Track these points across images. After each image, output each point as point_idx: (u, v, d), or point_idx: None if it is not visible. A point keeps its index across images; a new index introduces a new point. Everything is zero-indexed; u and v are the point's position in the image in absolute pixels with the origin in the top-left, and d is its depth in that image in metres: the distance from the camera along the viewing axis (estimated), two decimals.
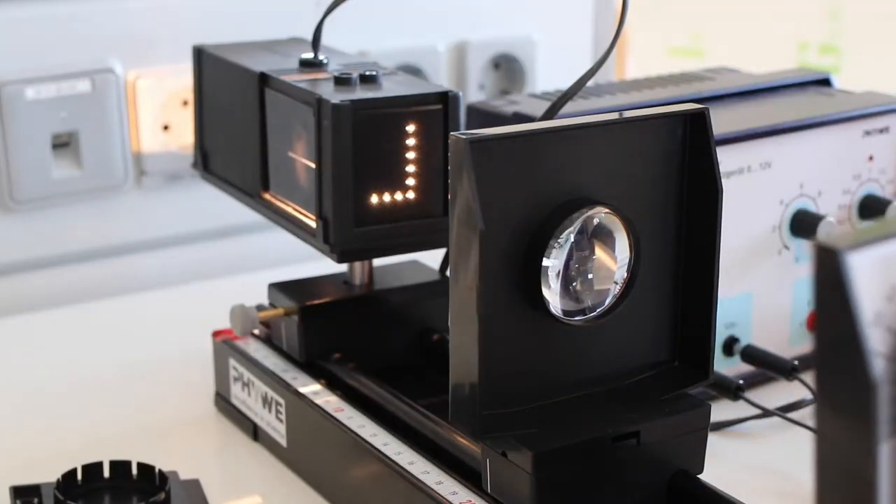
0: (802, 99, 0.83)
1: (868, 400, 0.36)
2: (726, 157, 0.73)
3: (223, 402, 0.78)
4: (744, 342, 0.78)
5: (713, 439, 0.71)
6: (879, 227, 0.38)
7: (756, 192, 0.76)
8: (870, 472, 0.37)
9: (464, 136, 0.51)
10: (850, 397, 0.37)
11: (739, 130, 0.75)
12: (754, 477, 0.70)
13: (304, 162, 0.69)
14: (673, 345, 0.59)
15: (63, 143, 0.95)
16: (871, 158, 0.81)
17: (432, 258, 0.76)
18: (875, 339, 0.37)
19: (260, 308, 0.74)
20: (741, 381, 0.73)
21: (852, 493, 0.38)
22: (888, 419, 0.38)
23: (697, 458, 0.58)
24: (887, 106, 0.81)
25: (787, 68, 0.90)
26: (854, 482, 0.37)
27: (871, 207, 0.80)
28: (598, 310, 0.56)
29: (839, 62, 1.82)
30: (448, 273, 0.56)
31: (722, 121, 0.75)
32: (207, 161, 0.80)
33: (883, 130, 0.81)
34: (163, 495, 0.64)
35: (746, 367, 0.78)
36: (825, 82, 0.86)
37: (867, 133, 0.80)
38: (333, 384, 0.71)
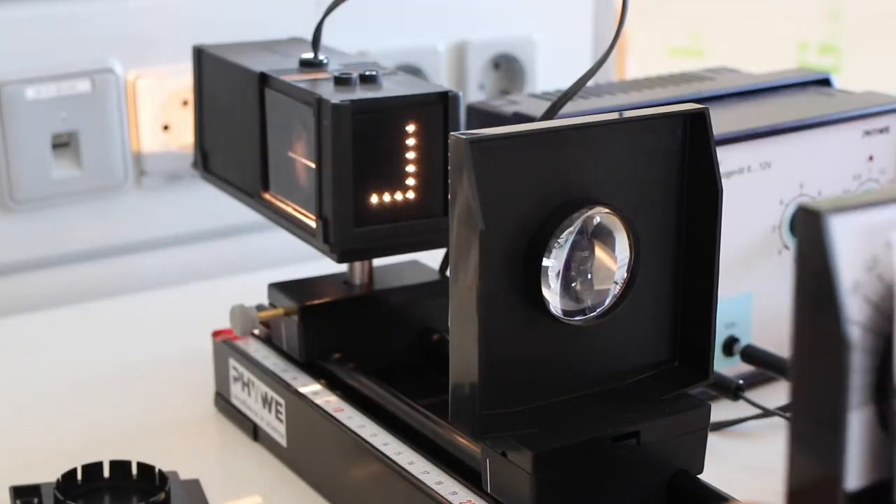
0: (802, 99, 0.83)
1: (842, 366, 0.36)
2: (726, 157, 0.73)
3: (223, 402, 0.78)
4: (744, 342, 0.77)
5: (713, 439, 0.71)
6: (865, 194, 0.37)
7: (756, 192, 0.76)
8: (839, 440, 0.37)
9: (464, 136, 0.51)
10: (824, 363, 0.36)
11: (739, 130, 0.75)
12: (754, 477, 0.70)
13: (304, 162, 0.69)
14: (673, 345, 0.59)
15: (63, 143, 0.95)
16: (871, 158, 0.80)
17: (432, 258, 0.76)
18: (853, 308, 0.37)
19: (260, 308, 0.74)
20: (741, 381, 0.73)
21: (822, 462, 0.37)
22: (860, 387, 0.38)
23: (697, 458, 0.58)
24: (887, 106, 0.80)
25: (787, 68, 0.90)
26: (824, 452, 0.37)
27: None
28: (598, 310, 0.56)
29: (839, 62, 1.82)
30: (448, 273, 0.56)
31: (722, 121, 0.75)
32: (207, 161, 0.80)
33: (883, 130, 0.81)
34: (163, 495, 0.64)
35: (746, 367, 0.78)
36: (825, 82, 0.86)
37: (867, 133, 0.80)
38: (333, 384, 0.71)
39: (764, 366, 0.76)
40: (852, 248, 0.37)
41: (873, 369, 0.38)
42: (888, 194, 0.38)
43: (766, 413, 0.74)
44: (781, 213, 0.77)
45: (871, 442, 0.39)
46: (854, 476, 0.39)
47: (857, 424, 0.38)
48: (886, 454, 0.39)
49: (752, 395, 0.75)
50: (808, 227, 0.36)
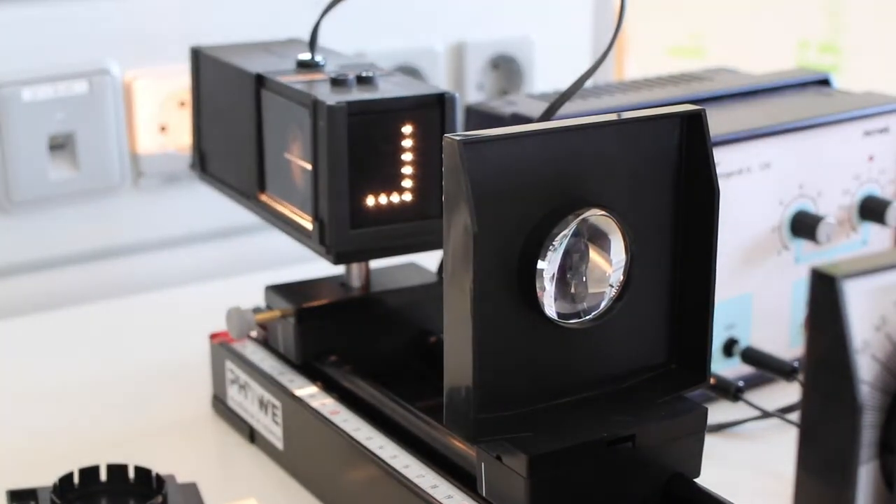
0: (802, 99, 0.82)
1: (853, 424, 0.37)
2: (726, 158, 0.73)
3: (220, 405, 0.78)
4: (743, 343, 0.77)
5: (713, 440, 0.71)
6: (874, 258, 0.38)
7: (756, 192, 0.76)
8: (848, 498, 0.38)
9: (457, 138, 0.51)
10: (835, 423, 0.37)
11: (739, 131, 0.74)
12: (754, 478, 0.70)
13: (301, 163, 0.69)
14: (669, 347, 0.59)
15: (60, 145, 0.95)
16: (871, 159, 0.80)
17: (430, 260, 0.76)
18: (862, 367, 0.38)
19: (256, 310, 0.74)
20: (741, 383, 0.73)
21: None
22: (866, 444, 0.39)
23: (694, 462, 0.58)
24: (887, 106, 0.80)
25: (787, 68, 0.89)
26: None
27: (871, 208, 0.80)
28: (593, 312, 0.55)
29: (839, 61, 1.81)
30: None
31: (721, 121, 0.75)
32: (205, 162, 0.80)
33: (883, 130, 0.80)
34: (160, 498, 0.64)
35: (746, 369, 0.77)
36: (825, 82, 0.86)
37: (867, 133, 0.80)
38: (330, 387, 0.71)
39: (763, 367, 0.76)
40: (862, 309, 0.38)
41: (879, 426, 0.39)
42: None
43: (766, 415, 0.74)
44: (781, 214, 0.77)
45: (875, 498, 0.39)
46: None
47: (864, 480, 0.39)
48: None
49: (751, 396, 0.75)
50: (822, 291, 0.37)
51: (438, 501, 0.59)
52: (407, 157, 0.67)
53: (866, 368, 0.39)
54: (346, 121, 0.65)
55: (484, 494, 0.57)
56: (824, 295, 0.37)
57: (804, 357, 0.39)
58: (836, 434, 0.38)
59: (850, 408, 0.37)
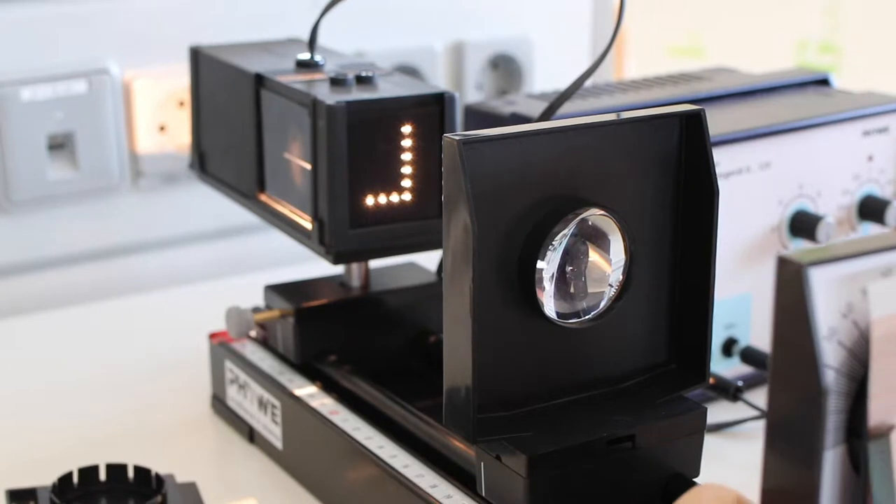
0: (801, 99, 0.82)
1: (818, 409, 0.37)
2: (725, 158, 0.73)
3: (219, 405, 0.78)
4: (743, 343, 0.77)
5: (712, 440, 0.71)
6: (841, 246, 0.39)
7: (755, 192, 0.76)
8: (813, 480, 0.38)
9: (456, 138, 0.51)
10: (801, 406, 0.38)
11: (738, 131, 0.74)
12: (753, 478, 0.70)
13: (300, 163, 0.69)
14: (669, 347, 0.59)
15: (59, 145, 0.94)
16: (870, 158, 0.80)
17: (429, 260, 0.76)
18: (828, 353, 0.38)
19: (256, 310, 0.74)
20: (740, 383, 0.73)
21: (797, 500, 0.39)
22: (834, 428, 0.39)
23: (693, 462, 0.58)
24: (887, 106, 0.80)
25: (786, 68, 0.89)
26: (798, 491, 0.39)
27: (870, 207, 0.80)
28: (593, 312, 0.55)
29: (839, 61, 1.81)
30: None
31: (721, 121, 0.75)
32: (204, 162, 0.80)
33: (882, 130, 0.80)
34: (159, 498, 0.64)
35: (746, 368, 0.77)
36: (824, 82, 0.86)
37: (866, 133, 0.80)
38: (329, 387, 0.71)
39: (763, 367, 0.76)
40: (829, 296, 0.38)
41: (846, 411, 0.40)
42: (865, 245, 0.39)
43: (766, 414, 0.74)
44: (780, 214, 0.77)
45: (842, 481, 0.40)
46: None
47: (831, 464, 0.39)
48: (858, 493, 0.40)
49: (750, 396, 0.74)
50: (787, 278, 0.38)
51: (438, 501, 0.59)
52: (406, 156, 0.67)
53: (833, 355, 0.39)
54: (346, 120, 0.65)
55: (483, 494, 0.57)
56: (790, 282, 0.38)
57: (771, 343, 0.39)
58: (801, 419, 0.38)
59: (815, 393, 0.37)
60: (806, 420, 0.38)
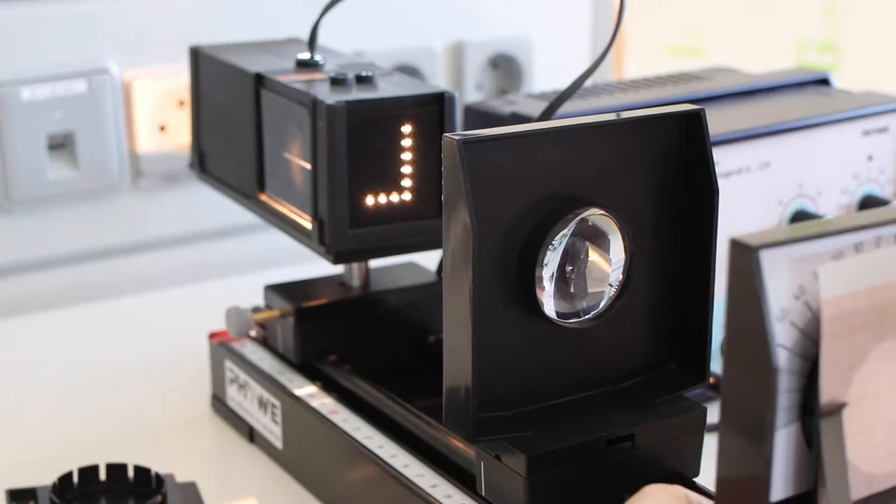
0: (801, 99, 0.82)
1: (768, 387, 0.38)
2: (725, 158, 0.73)
3: (219, 405, 0.78)
4: None
5: (712, 440, 0.71)
6: (793, 229, 0.40)
7: (755, 192, 0.76)
8: (765, 457, 0.39)
9: (456, 137, 0.51)
10: (753, 384, 0.39)
11: (738, 130, 0.74)
12: None
13: (300, 163, 0.69)
14: (669, 347, 0.59)
15: (59, 144, 0.94)
16: (870, 158, 0.80)
17: (429, 260, 0.76)
18: (781, 333, 0.40)
19: (256, 310, 0.74)
20: None
21: (749, 475, 0.40)
22: (788, 406, 0.40)
23: (693, 462, 0.58)
24: (886, 106, 0.80)
25: (786, 68, 0.89)
26: (750, 466, 0.40)
27: (870, 207, 0.80)
28: (592, 312, 0.55)
29: (839, 60, 1.81)
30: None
31: (721, 121, 0.75)
32: (204, 162, 0.80)
33: (882, 130, 0.80)
34: (159, 498, 0.64)
35: None
36: (824, 82, 0.86)
37: (866, 133, 0.80)
38: (329, 386, 0.71)
39: None
40: (781, 278, 0.40)
41: (800, 390, 0.41)
42: (816, 229, 0.40)
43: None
44: (780, 214, 0.77)
45: (797, 457, 0.41)
46: (779, 488, 0.41)
47: (785, 441, 0.41)
48: (811, 468, 0.41)
49: None
50: (739, 261, 0.39)
51: (438, 501, 0.59)
52: (406, 156, 0.67)
53: (786, 335, 0.40)
54: (346, 120, 0.65)
55: (483, 494, 0.57)
56: (742, 264, 0.39)
57: (724, 325, 0.40)
58: (753, 397, 0.39)
59: (765, 372, 0.38)
60: (758, 399, 0.39)
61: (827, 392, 0.41)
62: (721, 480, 0.41)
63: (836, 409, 0.41)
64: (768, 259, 0.39)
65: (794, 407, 0.41)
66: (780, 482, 0.41)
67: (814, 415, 0.41)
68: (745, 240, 0.39)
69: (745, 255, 0.39)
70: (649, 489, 0.44)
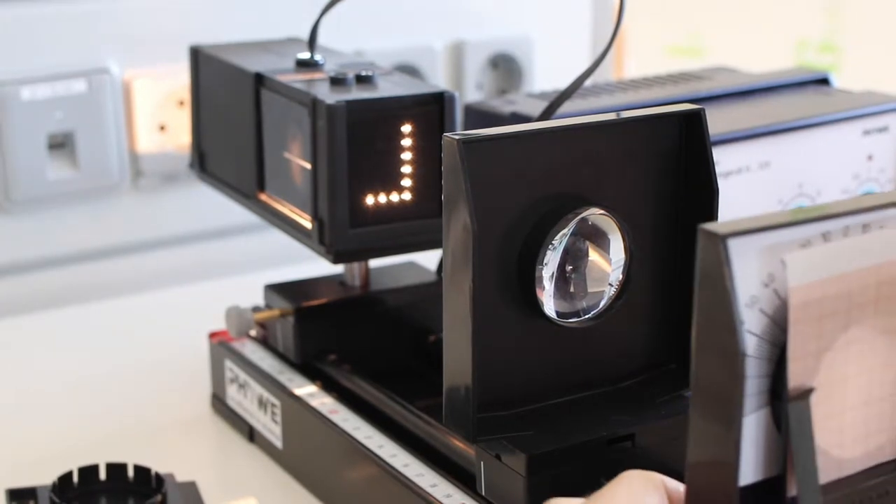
0: (801, 98, 0.82)
1: (736, 373, 0.39)
2: (725, 157, 0.73)
3: (219, 404, 0.78)
4: None
5: None
6: (761, 218, 0.41)
7: (755, 191, 0.76)
8: (734, 440, 0.40)
9: (456, 137, 0.51)
10: (720, 370, 0.40)
11: (738, 130, 0.74)
12: None
13: (300, 162, 0.69)
14: (669, 347, 0.59)
15: (59, 144, 0.94)
16: (870, 158, 0.80)
17: (429, 259, 0.76)
18: (750, 320, 0.41)
19: (256, 309, 0.74)
20: None
21: (718, 460, 0.41)
22: (758, 392, 0.41)
23: None
24: (886, 105, 0.80)
25: (786, 68, 0.89)
26: (719, 451, 0.41)
27: None
28: (592, 312, 0.55)
29: (839, 60, 1.81)
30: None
31: (720, 121, 0.75)
32: (204, 161, 0.80)
33: (882, 130, 0.80)
34: (159, 497, 0.64)
35: None
36: (824, 81, 0.86)
37: (866, 132, 0.80)
38: (329, 386, 0.71)
39: None
40: (750, 266, 0.40)
41: (769, 375, 0.42)
42: (784, 218, 0.41)
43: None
44: None
45: (767, 442, 0.42)
46: (749, 472, 0.42)
47: (755, 426, 0.42)
48: (780, 453, 0.42)
49: None
50: (708, 249, 0.40)
51: (438, 500, 0.59)
52: (406, 156, 0.67)
53: (755, 322, 0.41)
54: (346, 120, 0.65)
55: (483, 493, 0.57)
56: (710, 251, 0.40)
57: (694, 312, 0.41)
58: (721, 382, 0.40)
59: (732, 357, 0.39)
60: (726, 384, 0.40)
61: (795, 378, 0.42)
62: (691, 466, 0.42)
63: (804, 395, 0.42)
64: (736, 247, 0.40)
65: (763, 392, 0.42)
66: (751, 466, 0.42)
67: (782, 400, 0.42)
68: (714, 228, 0.40)
69: (714, 243, 0.40)
70: (627, 474, 0.44)
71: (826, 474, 0.43)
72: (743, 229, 0.40)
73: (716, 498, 0.41)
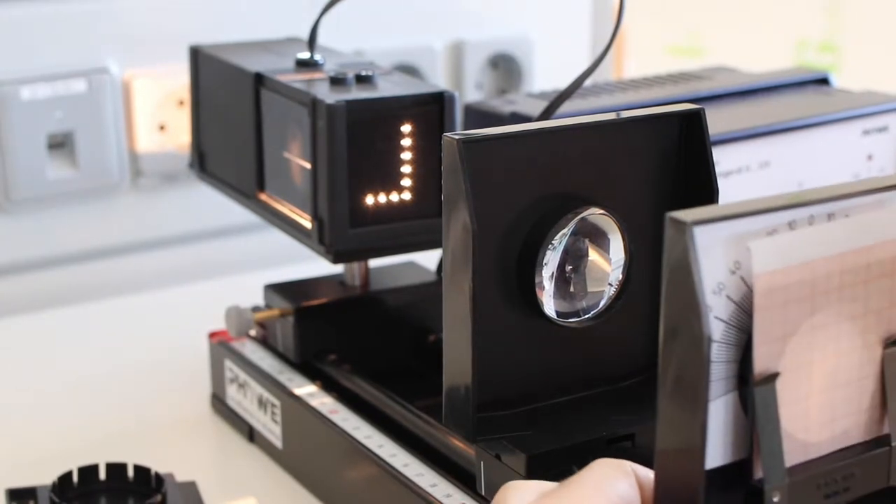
0: (801, 98, 0.82)
1: (701, 357, 0.40)
2: (725, 157, 0.73)
3: (219, 404, 0.78)
4: None
5: None
6: (729, 206, 0.41)
7: (754, 191, 0.76)
8: (698, 434, 0.41)
9: (456, 137, 0.51)
10: (687, 354, 0.41)
11: (738, 130, 0.74)
12: None
13: (300, 162, 0.69)
14: None
15: (59, 144, 0.94)
16: (870, 158, 0.80)
17: (429, 259, 0.76)
18: (717, 306, 0.42)
19: (255, 309, 0.74)
20: None
21: (685, 443, 0.42)
22: (726, 377, 0.42)
23: None
24: (886, 105, 0.80)
25: (786, 67, 0.89)
26: (686, 435, 0.41)
27: None
28: (592, 311, 0.55)
29: (838, 60, 1.81)
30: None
31: (720, 120, 0.75)
32: (204, 161, 0.80)
33: (882, 129, 0.80)
34: (159, 497, 0.64)
35: None
36: (824, 81, 0.86)
37: (866, 132, 0.80)
38: (329, 386, 0.71)
39: None
40: (717, 253, 0.41)
41: (737, 360, 0.43)
42: (750, 206, 0.42)
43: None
44: None
45: (734, 426, 0.43)
46: (717, 455, 0.43)
47: (723, 410, 0.43)
48: (747, 436, 0.43)
49: None
50: (673, 236, 0.41)
51: (437, 500, 0.59)
52: (406, 156, 0.67)
53: (722, 308, 0.42)
54: (346, 120, 0.65)
55: (483, 493, 0.57)
56: (676, 239, 0.41)
57: (662, 300, 0.42)
58: (688, 366, 0.41)
59: (698, 341, 0.40)
60: (692, 367, 0.41)
61: (760, 362, 0.42)
62: (660, 451, 0.43)
63: (770, 379, 0.43)
64: (702, 234, 0.40)
65: (731, 377, 0.43)
66: (718, 450, 0.43)
67: (748, 384, 0.43)
68: (680, 215, 0.40)
69: (680, 230, 0.40)
70: (597, 462, 0.45)
71: (792, 457, 0.44)
72: (709, 217, 0.41)
73: (683, 481, 0.42)
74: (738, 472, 0.44)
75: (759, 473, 0.43)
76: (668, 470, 0.43)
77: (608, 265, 0.55)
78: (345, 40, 0.89)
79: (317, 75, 0.70)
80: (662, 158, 0.56)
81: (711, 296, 0.41)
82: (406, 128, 0.66)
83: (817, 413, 0.44)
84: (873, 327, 0.45)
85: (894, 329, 0.46)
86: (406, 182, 0.67)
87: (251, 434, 0.75)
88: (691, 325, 0.40)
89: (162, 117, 0.97)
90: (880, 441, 0.46)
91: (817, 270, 0.43)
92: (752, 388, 0.42)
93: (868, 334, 0.45)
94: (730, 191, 0.73)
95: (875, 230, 0.44)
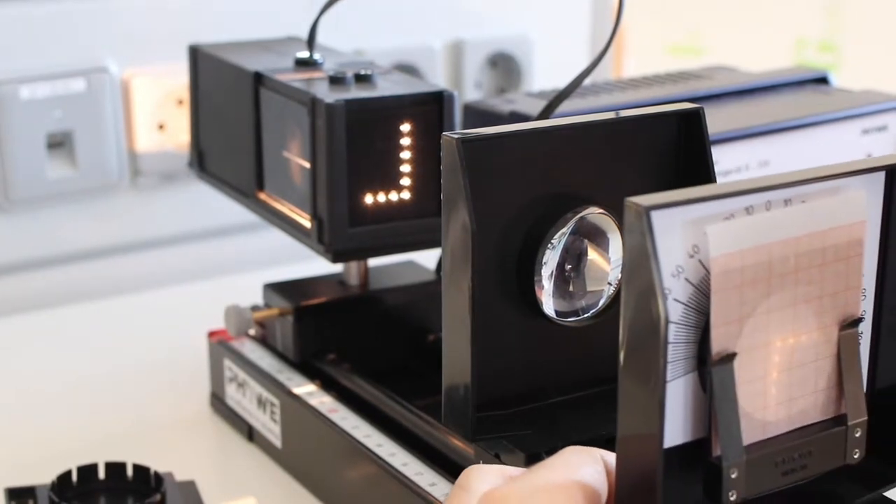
0: (800, 97, 0.82)
1: (657, 336, 0.41)
2: (724, 156, 0.73)
3: (218, 403, 0.78)
4: None
5: None
6: (687, 191, 0.43)
7: None
8: (656, 413, 0.42)
9: (455, 136, 0.51)
10: (644, 335, 0.42)
11: (737, 129, 0.74)
12: None
13: (299, 161, 0.69)
14: None
15: (58, 143, 0.94)
16: (869, 157, 0.80)
17: (428, 258, 0.76)
18: (676, 289, 0.43)
19: (255, 308, 0.74)
20: None
21: (643, 423, 0.43)
22: (686, 357, 0.44)
23: None
24: (885, 104, 0.80)
25: (785, 66, 0.89)
26: (645, 414, 0.42)
27: None
28: (592, 311, 0.55)
29: (838, 60, 1.81)
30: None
31: (720, 119, 0.75)
32: (203, 160, 0.80)
33: (881, 129, 0.80)
34: (158, 496, 0.64)
35: None
36: (823, 80, 0.86)
37: (865, 131, 0.80)
38: (328, 385, 0.71)
39: None
40: (676, 238, 0.42)
41: (696, 342, 0.44)
42: (707, 191, 0.43)
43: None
44: None
45: (694, 405, 0.44)
46: (677, 434, 0.44)
47: (683, 389, 0.44)
48: (706, 415, 0.44)
49: None
50: (632, 219, 0.41)
51: (436, 499, 0.59)
52: (405, 155, 0.67)
53: (681, 291, 0.43)
54: (345, 119, 0.65)
55: None
56: (635, 223, 0.41)
57: (621, 281, 0.43)
58: (646, 347, 0.42)
59: (655, 321, 0.41)
60: (650, 349, 0.41)
61: (718, 343, 0.43)
62: (620, 432, 0.44)
63: (727, 359, 0.44)
64: (660, 219, 0.41)
65: (691, 358, 0.44)
66: (678, 429, 0.44)
67: (706, 363, 0.43)
68: (638, 200, 0.41)
69: (638, 215, 0.41)
70: (566, 449, 0.46)
71: (749, 435, 0.45)
72: (666, 202, 0.42)
73: (643, 459, 0.43)
74: (696, 451, 0.45)
75: (717, 451, 0.44)
76: (628, 449, 0.44)
77: (607, 264, 0.55)
78: (344, 40, 0.89)
79: (316, 75, 0.71)
80: (662, 158, 0.56)
81: (670, 278, 0.42)
82: (405, 127, 0.67)
83: (775, 392, 0.45)
84: (829, 310, 0.46)
85: (850, 312, 0.47)
86: (405, 181, 0.67)
87: (250, 433, 0.75)
88: (649, 306, 0.41)
89: (161, 117, 0.97)
90: (837, 420, 0.47)
91: (773, 253, 0.44)
92: (710, 368, 0.43)
93: (824, 316, 0.46)
94: None
95: (830, 216, 0.45)
